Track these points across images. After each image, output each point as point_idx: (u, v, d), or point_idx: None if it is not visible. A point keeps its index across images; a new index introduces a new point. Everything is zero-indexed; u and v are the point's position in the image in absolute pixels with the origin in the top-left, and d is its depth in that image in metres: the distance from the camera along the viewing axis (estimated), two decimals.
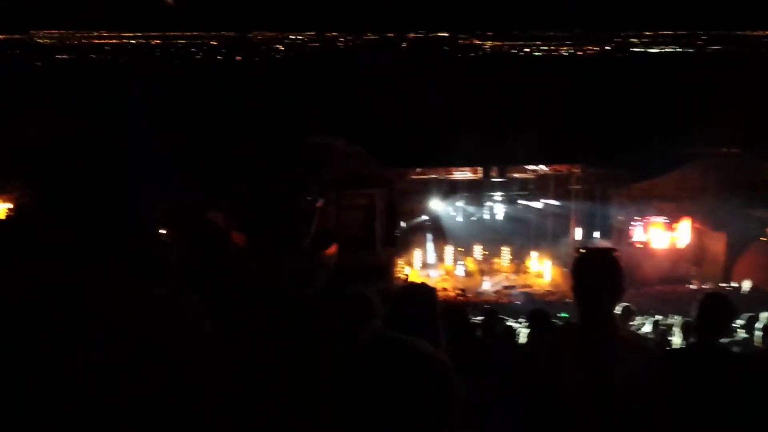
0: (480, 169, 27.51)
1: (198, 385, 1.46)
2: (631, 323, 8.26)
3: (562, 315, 14.60)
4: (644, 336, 8.56)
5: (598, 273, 2.52)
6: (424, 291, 3.43)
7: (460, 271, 27.51)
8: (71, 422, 1.34)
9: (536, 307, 7.59)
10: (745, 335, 7.89)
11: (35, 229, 1.57)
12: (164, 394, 1.40)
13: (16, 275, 1.45)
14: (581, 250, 2.67)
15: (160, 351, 1.43)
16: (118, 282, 1.49)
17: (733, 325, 8.19)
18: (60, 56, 75.81)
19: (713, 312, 3.61)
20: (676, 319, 11.00)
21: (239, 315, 2.16)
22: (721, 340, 7.37)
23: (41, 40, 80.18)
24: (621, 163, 27.71)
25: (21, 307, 1.38)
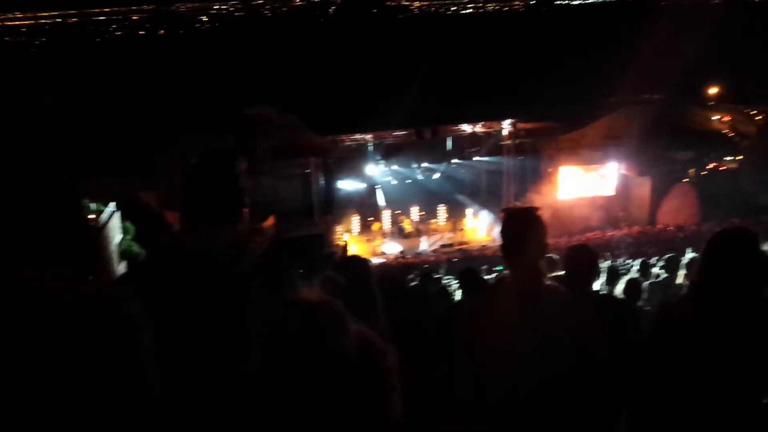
0: (413, 132, 27.59)
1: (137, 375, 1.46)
2: (554, 273, 8.56)
3: (498, 268, 15.10)
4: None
5: (522, 232, 2.71)
6: (356, 264, 3.50)
7: (398, 233, 27.84)
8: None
9: (466, 267, 7.76)
10: (666, 275, 8.24)
11: None
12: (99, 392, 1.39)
13: None
14: (505, 211, 2.85)
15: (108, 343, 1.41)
16: (59, 278, 1.45)
17: (621, 270, 8.58)
18: None
19: (576, 263, 3.82)
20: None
21: (176, 294, 2.18)
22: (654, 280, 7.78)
23: None
24: (549, 116, 28.26)
25: None
